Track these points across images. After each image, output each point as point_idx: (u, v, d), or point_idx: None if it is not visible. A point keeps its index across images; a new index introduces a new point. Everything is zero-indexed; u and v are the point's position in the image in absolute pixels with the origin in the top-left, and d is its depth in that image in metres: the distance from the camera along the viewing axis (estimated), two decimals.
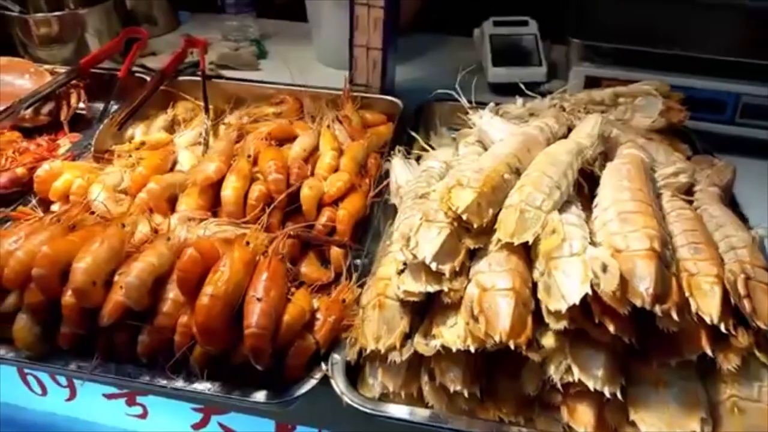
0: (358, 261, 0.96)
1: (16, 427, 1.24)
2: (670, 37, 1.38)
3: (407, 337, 0.77)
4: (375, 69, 1.40)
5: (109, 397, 1.09)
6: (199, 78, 1.48)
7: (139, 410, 1.10)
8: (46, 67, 1.46)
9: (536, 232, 0.75)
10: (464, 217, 0.76)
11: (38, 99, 1.35)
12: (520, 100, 1.24)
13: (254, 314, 0.73)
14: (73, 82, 1.43)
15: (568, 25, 1.55)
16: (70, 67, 1.48)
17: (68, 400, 1.13)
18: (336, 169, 1.11)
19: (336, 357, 0.80)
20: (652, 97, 1.16)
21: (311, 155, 1.14)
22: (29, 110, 1.34)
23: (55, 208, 1.09)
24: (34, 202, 1.08)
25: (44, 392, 1.15)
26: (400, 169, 1.02)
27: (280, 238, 0.84)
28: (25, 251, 0.77)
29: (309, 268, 0.97)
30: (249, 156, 1.04)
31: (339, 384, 0.77)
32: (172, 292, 0.79)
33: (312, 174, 1.08)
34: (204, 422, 1.05)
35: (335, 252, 0.99)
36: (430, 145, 1.17)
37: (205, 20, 1.97)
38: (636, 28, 1.44)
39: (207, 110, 1.29)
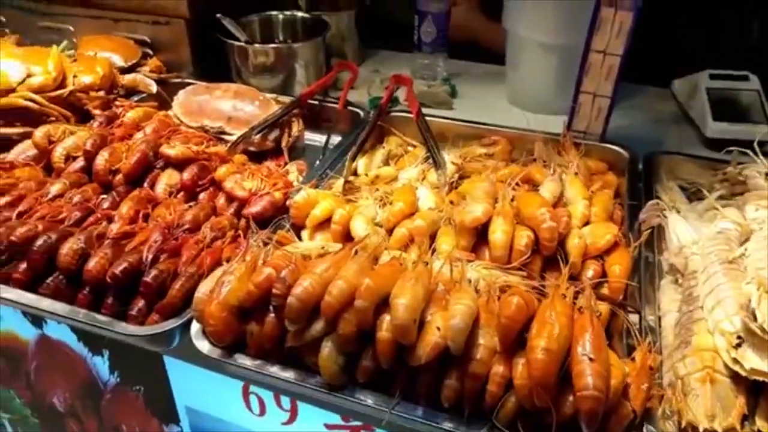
0: (636, 323, 0.91)
1: None
2: None
3: (744, 417, 0.71)
4: (599, 116, 1.36)
5: (331, 427, 1.08)
6: (404, 114, 1.51)
7: None
8: (270, 95, 1.52)
9: None
10: None
11: (267, 126, 1.42)
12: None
13: (588, 375, 0.70)
14: (294, 111, 1.49)
15: None
16: (284, 95, 1.56)
17: (285, 423, 1.14)
18: (587, 220, 1.07)
19: (651, 429, 0.75)
20: None
21: (558, 202, 1.11)
22: (258, 136, 1.40)
23: (305, 234, 1.12)
24: (288, 226, 1.11)
25: (262, 412, 1.16)
26: (682, 228, 0.97)
27: (588, 292, 0.80)
28: (346, 281, 0.78)
29: None
30: (512, 200, 1.03)
31: None
32: (483, 338, 0.77)
33: None
34: None
35: (601, 309, 0.94)
36: (677, 203, 1.12)
37: (389, 57, 2.02)
38: None
39: (436, 149, 1.30)
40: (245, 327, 0.87)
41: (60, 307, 0.96)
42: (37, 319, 1.27)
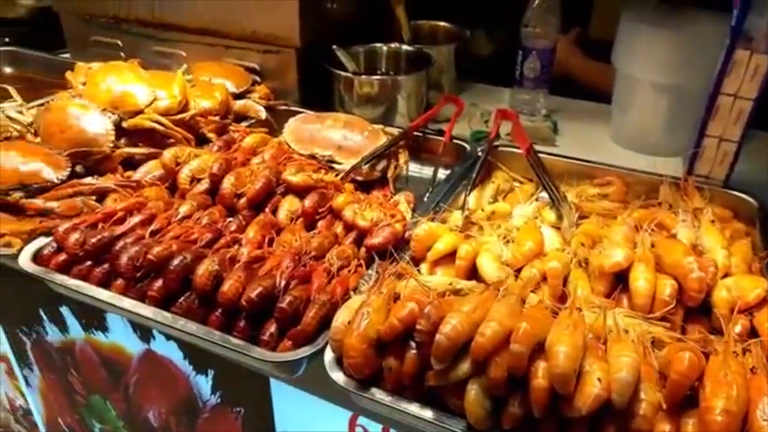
0: None
1: None
2: None
3: None
4: (723, 161, 1.31)
5: None
6: (508, 148, 1.50)
7: None
8: (377, 126, 1.54)
9: None
10: None
11: (376, 156, 1.43)
12: None
13: None
14: (400, 142, 1.50)
15: None
16: (383, 125, 1.57)
17: None
18: (727, 271, 1.02)
19: None
20: None
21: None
22: (367, 165, 1.41)
23: (423, 267, 1.11)
24: (407, 259, 1.10)
25: None
26: None
27: (757, 350, 0.75)
28: (500, 323, 0.76)
29: None
30: (652, 246, 0.99)
31: None
32: (645, 394, 0.73)
33: None
34: None
35: None
36: None
37: (483, 90, 2.02)
38: None
39: (554, 188, 1.27)
40: (382, 361, 0.86)
41: (195, 327, 0.97)
42: (145, 333, 1.30)
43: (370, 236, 1.11)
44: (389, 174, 1.45)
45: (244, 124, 1.60)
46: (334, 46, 1.63)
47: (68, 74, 1.52)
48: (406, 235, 1.14)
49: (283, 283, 0.97)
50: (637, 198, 1.32)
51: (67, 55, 2.16)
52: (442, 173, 1.46)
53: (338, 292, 0.96)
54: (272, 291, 0.96)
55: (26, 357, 1.66)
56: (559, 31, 1.75)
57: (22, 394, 1.82)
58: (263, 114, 1.62)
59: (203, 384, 1.31)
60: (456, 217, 1.19)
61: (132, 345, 1.37)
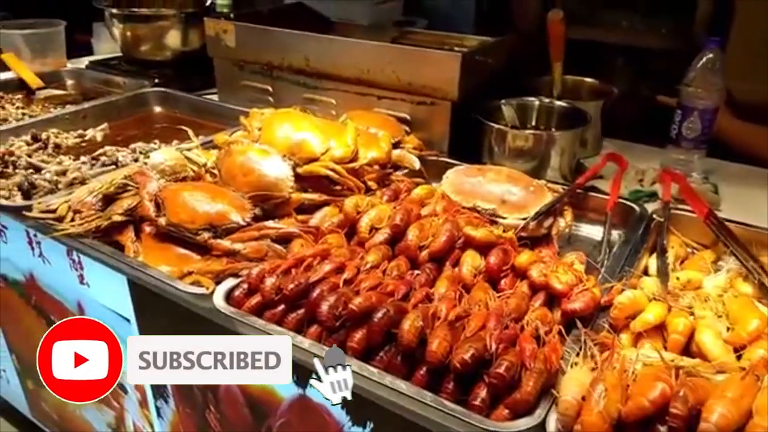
0: None
1: None
2: None
3: None
4: None
5: None
6: (679, 212, 1.44)
7: None
8: (540, 182, 1.51)
9: None
10: None
11: (544, 212, 1.39)
12: None
13: None
14: (565, 200, 1.46)
15: None
16: (563, 183, 1.55)
17: None
18: None
19: None
20: None
21: None
22: (534, 222, 1.38)
23: (624, 338, 1.05)
24: (607, 328, 1.05)
25: None
26: None
27: None
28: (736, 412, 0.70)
29: None
30: None
31: None
32: None
33: None
34: None
35: None
36: None
37: (627, 147, 1.96)
38: None
39: (750, 257, 1.19)
40: None
41: (405, 386, 0.95)
42: (302, 378, 1.28)
43: (567, 300, 1.07)
44: (554, 231, 1.41)
45: (399, 173, 1.61)
46: (503, 101, 1.64)
47: (242, 119, 1.59)
48: (603, 301, 1.09)
49: (493, 346, 0.93)
50: None
51: (210, 97, 2.28)
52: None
53: (554, 360, 0.92)
54: (484, 354, 0.93)
55: (164, 389, 1.67)
56: (722, 91, 1.69)
57: (151, 425, 1.84)
58: (417, 164, 1.62)
59: None
60: (649, 285, 1.13)
61: (285, 389, 1.35)
